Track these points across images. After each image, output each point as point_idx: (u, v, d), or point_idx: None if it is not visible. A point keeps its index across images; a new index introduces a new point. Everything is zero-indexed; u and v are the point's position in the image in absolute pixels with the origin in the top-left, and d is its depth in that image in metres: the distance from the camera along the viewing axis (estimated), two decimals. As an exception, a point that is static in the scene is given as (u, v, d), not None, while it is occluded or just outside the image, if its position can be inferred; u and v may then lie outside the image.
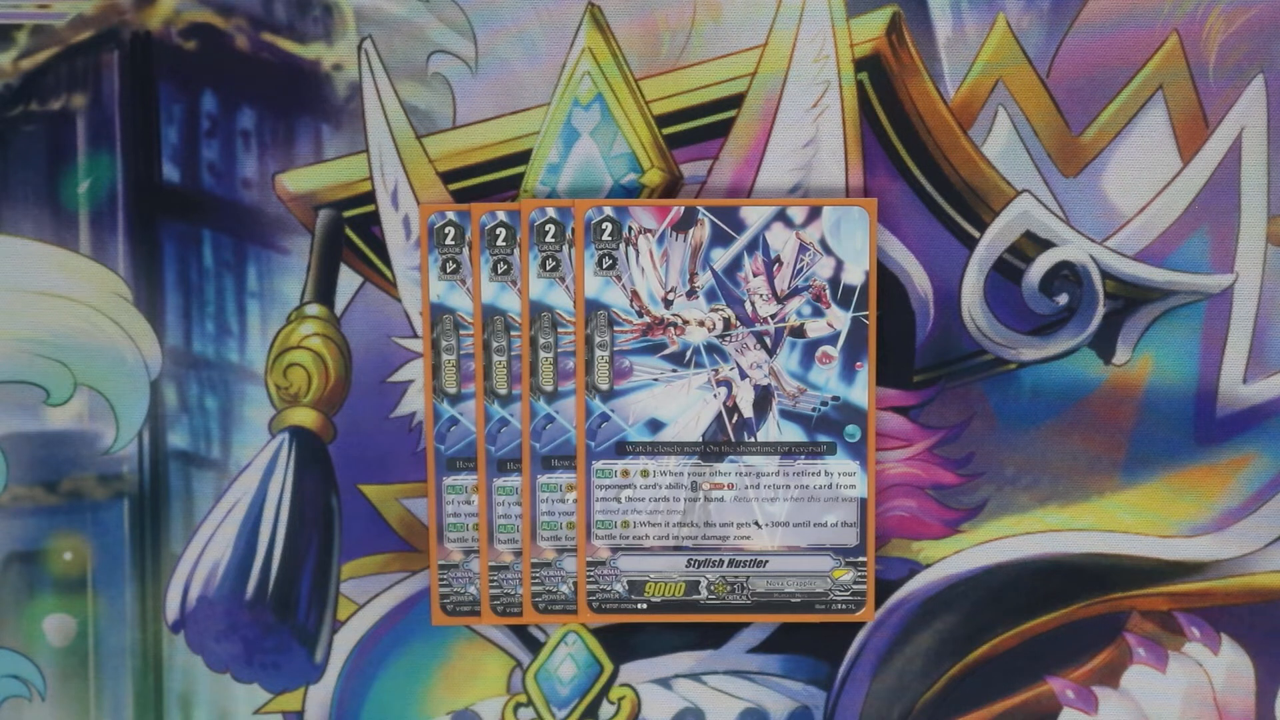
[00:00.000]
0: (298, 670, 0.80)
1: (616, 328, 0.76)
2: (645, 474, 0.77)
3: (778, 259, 0.75)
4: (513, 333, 0.76)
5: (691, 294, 0.76)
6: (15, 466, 0.79)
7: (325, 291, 0.78)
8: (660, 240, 0.75)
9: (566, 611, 0.78)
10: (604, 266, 0.75)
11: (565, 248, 0.75)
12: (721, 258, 0.75)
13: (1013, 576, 0.80)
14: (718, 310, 0.76)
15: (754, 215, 0.75)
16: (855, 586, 0.78)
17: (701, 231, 0.75)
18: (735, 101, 0.76)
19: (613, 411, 0.76)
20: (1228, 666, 0.80)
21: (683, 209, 0.75)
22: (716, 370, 0.76)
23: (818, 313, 0.76)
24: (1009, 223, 0.77)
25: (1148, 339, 0.78)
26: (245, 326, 0.78)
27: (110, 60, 0.76)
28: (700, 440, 0.77)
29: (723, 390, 0.76)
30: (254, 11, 0.76)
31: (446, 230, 0.76)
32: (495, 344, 0.76)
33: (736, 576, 0.78)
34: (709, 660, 0.81)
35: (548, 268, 0.75)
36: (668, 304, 0.76)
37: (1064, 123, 0.76)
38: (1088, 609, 0.80)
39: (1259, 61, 0.76)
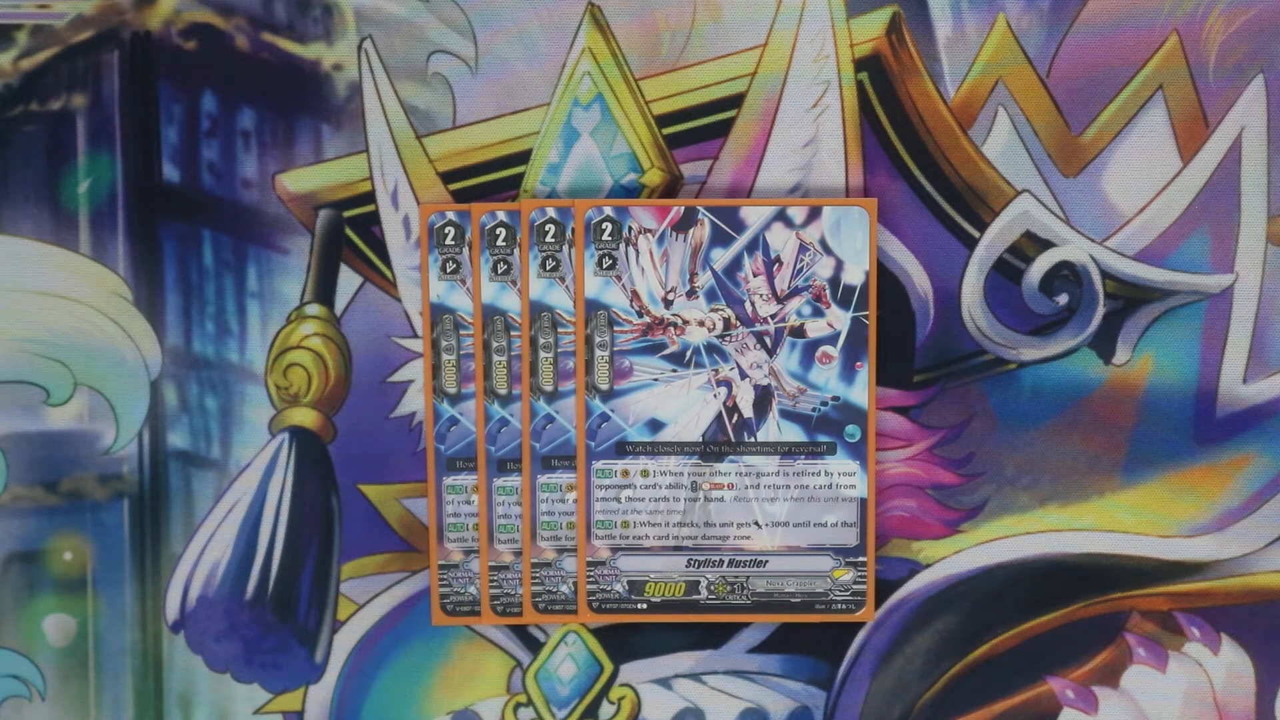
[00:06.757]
0: (298, 670, 0.80)
1: (616, 328, 0.76)
2: (645, 474, 0.77)
3: (778, 259, 0.75)
4: (513, 333, 0.76)
5: (691, 294, 0.76)
6: (15, 466, 0.79)
7: (325, 291, 0.78)
8: (660, 240, 0.75)
9: (566, 611, 0.78)
10: (604, 266, 0.75)
11: (565, 248, 0.75)
12: (721, 258, 0.75)
13: (1013, 576, 0.80)
14: (718, 310, 0.76)
15: (754, 215, 0.75)
16: (855, 586, 0.78)
17: (701, 231, 0.75)
18: (735, 101, 0.76)
19: (613, 411, 0.76)
20: (1228, 666, 0.80)
21: (683, 209, 0.75)
22: (716, 370, 0.76)
23: (818, 313, 0.76)
24: (1009, 223, 0.77)
25: (1148, 339, 0.78)
26: (245, 326, 0.78)
27: (110, 60, 0.76)
28: (700, 440, 0.77)
29: (723, 390, 0.76)
30: (254, 11, 0.76)
31: (446, 230, 0.76)
32: (495, 344, 0.76)
33: (736, 576, 0.78)
34: (709, 660, 0.81)
35: (548, 268, 0.75)
36: (668, 304, 0.76)
37: (1064, 123, 0.76)
38: (1088, 609, 0.80)
39: (1259, 61, 0.76)
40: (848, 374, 0.76)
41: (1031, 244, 0.77)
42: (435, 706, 0.81)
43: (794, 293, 0.76)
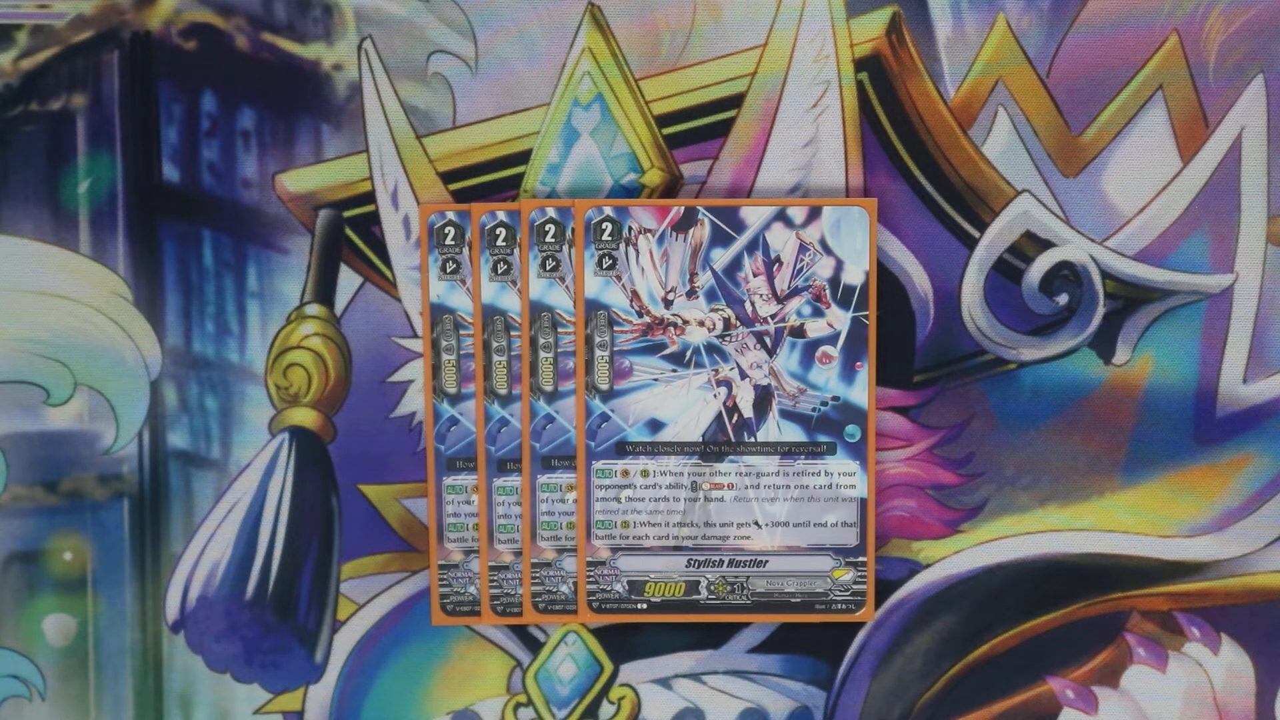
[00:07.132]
0: (298, 670, 0.80)
1: (616, 328, 0.76)
2: (645, 474, 0.77)
3: (778, 259, 0.75)
4: (513, 333, 0.76)
5: (691, 294, 0.76)
6: (15, 466, 0.79)
7: (325, 291, 0.78)
8: (660, 240, 0.75)
9: (566, 611, 0.78)
10: (604, 266, 0.75)
11: (565, 248, 0.75)
12: (721, 258, 0.75)
13: (1013, 576, 0.80)
14: (718, 310, 0.76)
15: (754, 215, 0.75)
16: (855, 586, 0.78)
17: (701, 231, 0.75)
18: (735, 101, 0.76)
19: (613, 411, 0.76)
20: (1228, 666, 0.80)
21: (683, 209, 0.75)
22: (716, 370, 0.76)
23: (818, 313, 0.76)
24: (1009, 223, 0.77)
25: (1148, 339, 0.78)
26: (245, 326, 0.78)
27: (110, 60, 0.76)
28: (700, 440, 0.77)
29: (723, 390, 0.76)
30: (254, 11, 0.76)
31: (446, 230, 0.76)
32: (495, 344, 0.76)
33: (736, 576, 0.78)
34: (709, 660, 0.81)
35: (548, 268, 0.75)
36: (668, 304, 0.76)
37: (1064, 123, 0.76)
38: (1088, 609, 0.80)
39: (1259, 61, 0.76)
40: (848, 374, 0.76)
41: (1031, 244, 0.77)
42: (435, 706, 0.81)
43: (794, 293, 0.76)
